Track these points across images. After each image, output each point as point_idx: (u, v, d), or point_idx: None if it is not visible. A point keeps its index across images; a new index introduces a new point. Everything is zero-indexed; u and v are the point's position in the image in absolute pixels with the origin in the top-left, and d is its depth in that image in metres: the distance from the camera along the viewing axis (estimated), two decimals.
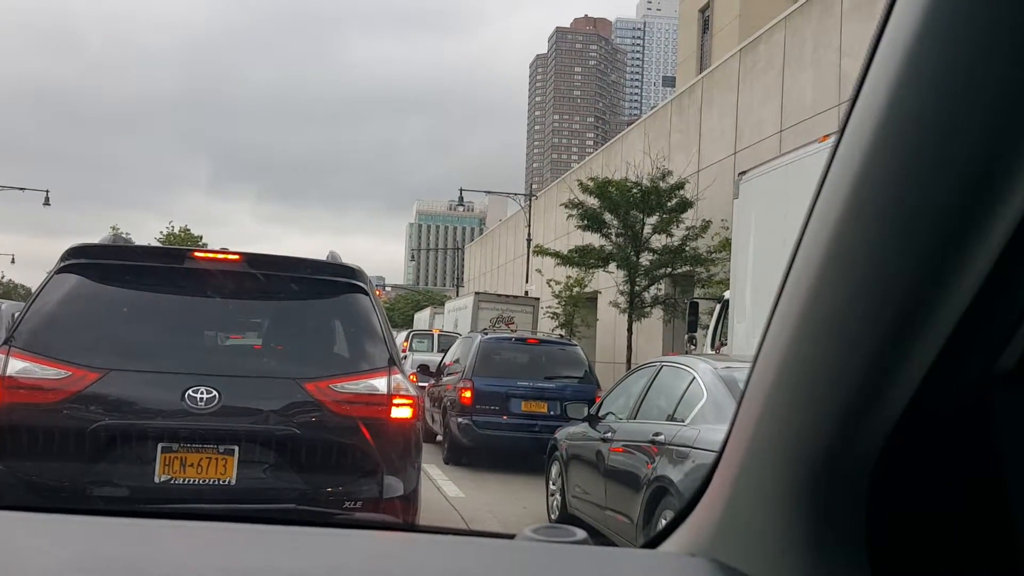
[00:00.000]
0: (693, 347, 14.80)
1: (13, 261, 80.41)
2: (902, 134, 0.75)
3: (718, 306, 14.32)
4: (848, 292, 0.85)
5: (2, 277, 79.24)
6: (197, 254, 5.10)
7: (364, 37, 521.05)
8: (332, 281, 5.20)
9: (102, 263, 5.00)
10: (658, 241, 22.57)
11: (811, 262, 0.90)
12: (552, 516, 8.80)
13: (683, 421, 6.33)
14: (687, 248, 21.94)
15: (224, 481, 4.53)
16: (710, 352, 14.00)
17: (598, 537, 7.68)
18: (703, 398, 6.30)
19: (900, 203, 0.76)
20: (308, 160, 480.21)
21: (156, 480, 4.46)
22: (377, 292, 5.56)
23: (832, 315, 0.88)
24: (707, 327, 15.78)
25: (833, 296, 0.87)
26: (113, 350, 4.73)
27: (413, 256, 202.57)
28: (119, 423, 4.50)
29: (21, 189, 49.82)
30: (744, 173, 11.80)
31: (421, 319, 47.96)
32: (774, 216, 10.87)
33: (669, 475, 5.95)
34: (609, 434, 7.42)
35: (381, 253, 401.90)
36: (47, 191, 49.18)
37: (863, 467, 0.94)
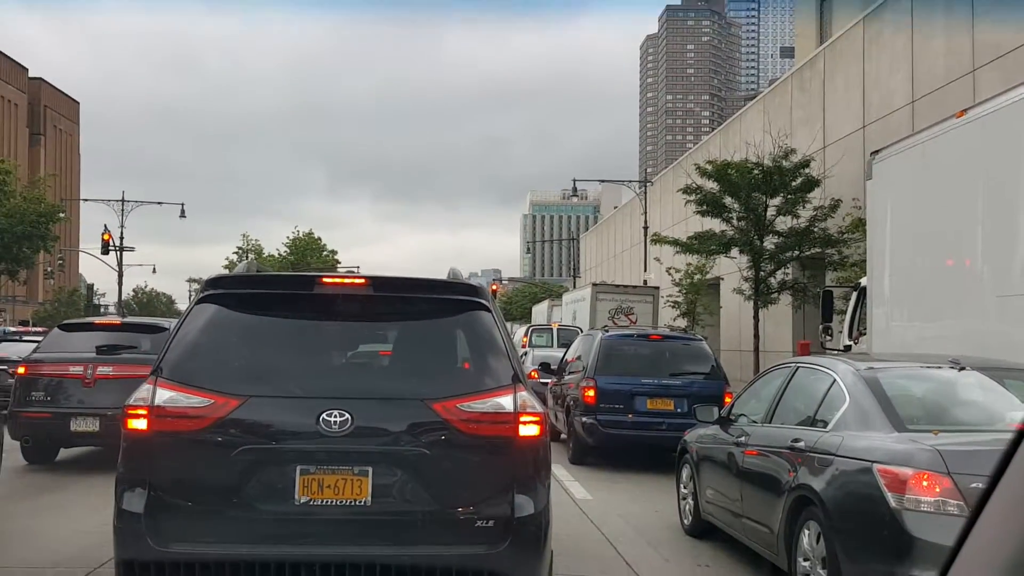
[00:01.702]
0: (829, 337, 14.14)
1: (155, 271, 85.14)
2: None
3: (855, 294, 13.63)
4: None
5: (145, 286, 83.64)
6: (325, 280, 5.21)
7: (462, 34, 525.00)
8: (454, 300, 5.23)
9: (238, 292, 5.19)
10: (783, 223, 21.78)
11: None
12: (685, 521, 8.52)
13: (824, 426, 6.01)
14: (815, 229, 21.10)
15: (360, 502, 4.61)
16: (848, 342, 13.33)
17: (734, 544, 7.35)
18: (845, 402, 5.97)
19: None
20: (418, 159, 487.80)
21: (296, 502, 4.57)
22: (494, 286, 5.51)
23: None
24: (842, 312, 15.05)
25: None
26: (251, 377, 4.87)
27: (529, 248, 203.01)
28: (260, 447, 4.64)
29: (159, 203, 53.72)
30: (877, 152, 11.12)
31: (539, 312, 48.02)
32: (913, 197, 10.21)
33: (812, 484, 5.67)
34: (743, 438, 7.14)
35: (496, 246, 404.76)
36: (182, 204, 52.24)
37: None
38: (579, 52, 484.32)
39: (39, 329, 34.67)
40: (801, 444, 5.95)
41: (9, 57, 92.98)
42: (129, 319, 14.22)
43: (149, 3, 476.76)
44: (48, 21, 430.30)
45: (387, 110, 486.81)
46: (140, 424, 4.69)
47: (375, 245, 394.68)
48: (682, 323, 27.83)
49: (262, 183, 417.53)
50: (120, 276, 52.40)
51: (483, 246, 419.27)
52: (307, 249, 55.66)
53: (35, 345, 16.24)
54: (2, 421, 8.42)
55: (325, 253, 57.49)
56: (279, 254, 56.27)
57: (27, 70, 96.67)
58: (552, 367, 15.27)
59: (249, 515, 4.58)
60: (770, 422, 6.92)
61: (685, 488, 8.58)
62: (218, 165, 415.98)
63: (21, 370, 11.33)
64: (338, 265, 57.87)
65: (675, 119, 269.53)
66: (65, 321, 14.68)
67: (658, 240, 26.05)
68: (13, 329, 27.92)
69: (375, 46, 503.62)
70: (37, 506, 8.25)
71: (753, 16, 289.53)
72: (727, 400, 10.73)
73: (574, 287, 49.83)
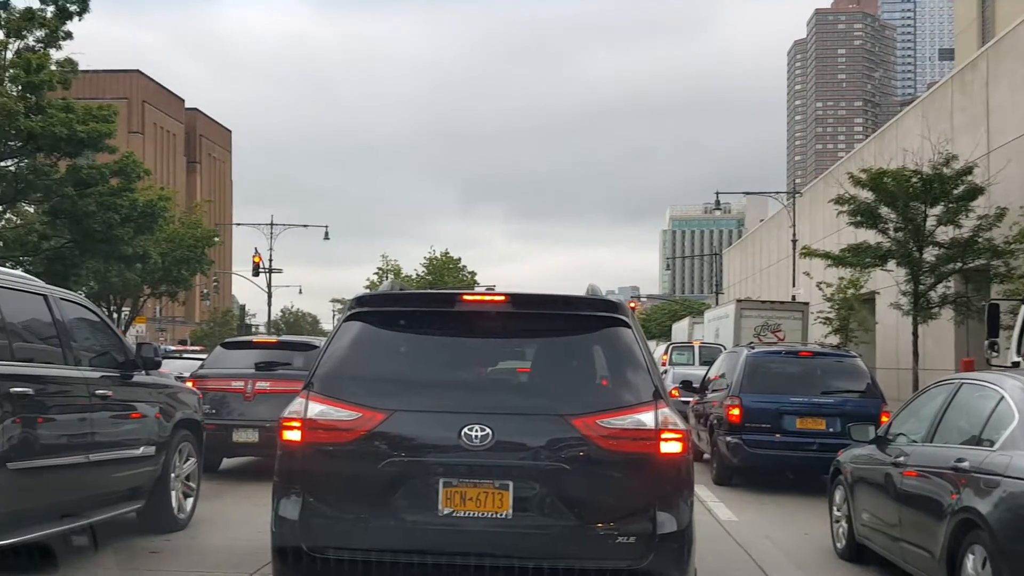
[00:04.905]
0: (995, 354, 13.31)
1: (300, 292, 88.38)
2: None
3: (1023, 308, 12.78)
4: None
5: (292, 307, 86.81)
6: (466, 297, 5.36)
7: (600, 51, 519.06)
8: (594, 316, 5.27)
9: (382, 311, 5.41)
10: (944, 234, 20.69)
11: None
12: (838, 545, 8.20)
13: (990, 446, 5.72)
14: (980, 239, 19.92)
15: (501, 515, 4.72)
16: (1016, 359, 12.50)
17: (891, 569, 7.02)
18: (1014, 420, 5.67)
19: None
20: (551, 177, 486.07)
21: (440, 513, 4.72)
22: (631, 304, 5.50)
23: None
24: (1009, 328, 14.13)
25: None
26: (395, 391, 5.05)
27: (668, 265, 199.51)
28: (405, 460, 4.81)
29: (304, 226, 56.12)
30: None
31: (679, 330, 47.33)
32: None
33: (977, 507, 5.40)
34: (902, 458, 6.87)
35: (632, 263, 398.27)
36: (326, 226, 54.41)
37: None
38: (720, 60, 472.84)
39: (196, 348, 36.95)
40: (965, 464, 5.70)
41: (168, 90, 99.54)
42: (284, 337, 15.11)
43: (291, 36, 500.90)
44: (200, 54, 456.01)
45: (519, 129, 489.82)
46: (294, 435, 4.95)
47: (508, 264, 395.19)
48: (834, 340, 26.81)
49: (399, 204, 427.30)
50: (269, 297, 55.07)
51: (618, 263, 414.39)
52: (444, 269, 56.87)
53: (192, 362, 17.43)
54: (200, 430, 9.00)
55: (463, 274, 58.56)
56: (416, 274, 57.70)
57: (184, 101, 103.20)
58: (694, 385, 15.02)
59: (395, 524, 4.75)
60: (931, 441, 6.64)
61: (839, 511, 8.29)
62: (358, 188, 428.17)
63: (189, 385, 12.11)
64: (476, 285, 59.03)
65: (826, 127, 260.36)
66: (227, 340, 15.68)
67: (808, 253, 25.27)
68: (172, 348, 29.85)
69: (509, 65, 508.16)
70: (193, 515, 8.68)
71: (909, 17, 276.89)
72: (884, 419, 10.26)
73: (716, 304, 48.84)
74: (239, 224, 62.72)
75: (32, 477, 5.99)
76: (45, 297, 6.79)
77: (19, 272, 8.34)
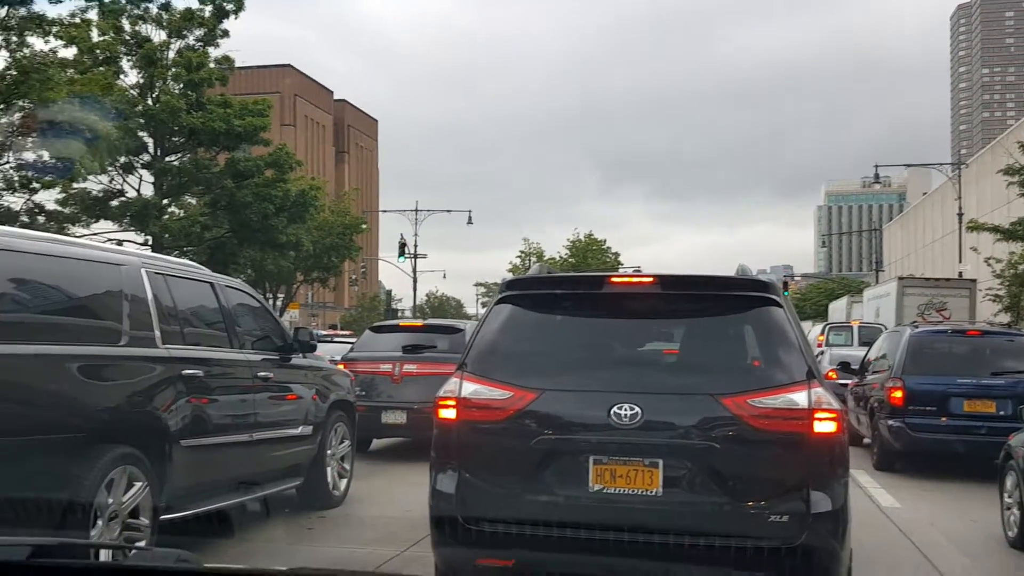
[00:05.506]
0: None
1: (444, 276, 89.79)
2: None
3: None
4: None
5: (436, 291, 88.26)
6: (614, 279, 5.45)
7: (745, 23, 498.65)
8: (744, 296, 5.25)
9: (532, 293, 5.55)
10: None
11: None
12: (1009, 533, 7.73)
13: None
14: None
15: (651, 492, 4.76)
16: None
17: None
18: None
19: None
20: (693, 155, 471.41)
21: (590, 489, 4.81)
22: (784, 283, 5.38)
23: None
24: None
25: None
26: (546, 371, 5.18)
27: (824, 242, 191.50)
28: (556, 438, 4.93)
29: (448, 211, 56.97)
30: None
31: (837, 309, 45.56)
32: None
33: None
34: None
35: (785, 241, 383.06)
36: (469, 211, 55.04)
37: None
38: (875, 28, 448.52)
39: (346, 332, 38.38)
40: None
41: (318, 83, 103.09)
42: (430, 321, 15.38)
43: (433, 23, 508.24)
44: (347, 45, 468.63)
45: (658, 108, 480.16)
46: (450, 414, 5.14)
47: (650, 245, 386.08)
48: (1004, 319, 25.19)
49: (540, 188, 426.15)
50: (415, 282, 56.24)
51: (771, 241, 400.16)
52: (587, 251, 56.68)
53: (342, 345, 18.01)
54: (353, 411, 9.35)
55: (607, 256, 58.18)
56: (560, 257, 57.76)
57: (332, 93, 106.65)
58: (853, 367, 14.43)
59: (546, 499, 4.87)
60: None
61: (1010, 497, 7.81)
62: (499, 173, 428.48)
63: (341, 368, 12.57)
64: (620, 266, 58.45)
65: (993, 94, 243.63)
66: (375, 324, 16.11)
67: (975, 227, 23.93)
68: (323, 332, 31.14)
69: (645, 42, 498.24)
70: (347, 494, 9.01)
71: None
72: None
73: (876, 282, 46.71)
74: (385, 211, 64.51)
75: (202, 454, 6.35)
76: (212, 284, 7.18)
77: (188, 261, 8.87)
